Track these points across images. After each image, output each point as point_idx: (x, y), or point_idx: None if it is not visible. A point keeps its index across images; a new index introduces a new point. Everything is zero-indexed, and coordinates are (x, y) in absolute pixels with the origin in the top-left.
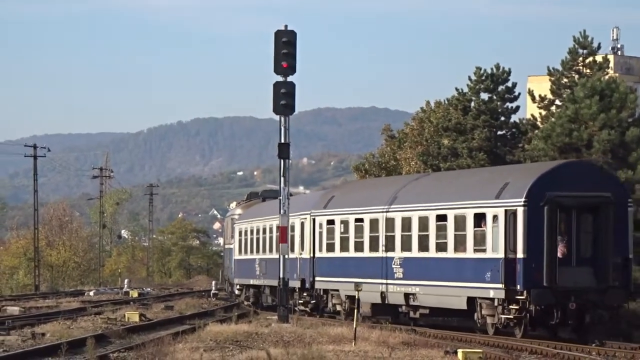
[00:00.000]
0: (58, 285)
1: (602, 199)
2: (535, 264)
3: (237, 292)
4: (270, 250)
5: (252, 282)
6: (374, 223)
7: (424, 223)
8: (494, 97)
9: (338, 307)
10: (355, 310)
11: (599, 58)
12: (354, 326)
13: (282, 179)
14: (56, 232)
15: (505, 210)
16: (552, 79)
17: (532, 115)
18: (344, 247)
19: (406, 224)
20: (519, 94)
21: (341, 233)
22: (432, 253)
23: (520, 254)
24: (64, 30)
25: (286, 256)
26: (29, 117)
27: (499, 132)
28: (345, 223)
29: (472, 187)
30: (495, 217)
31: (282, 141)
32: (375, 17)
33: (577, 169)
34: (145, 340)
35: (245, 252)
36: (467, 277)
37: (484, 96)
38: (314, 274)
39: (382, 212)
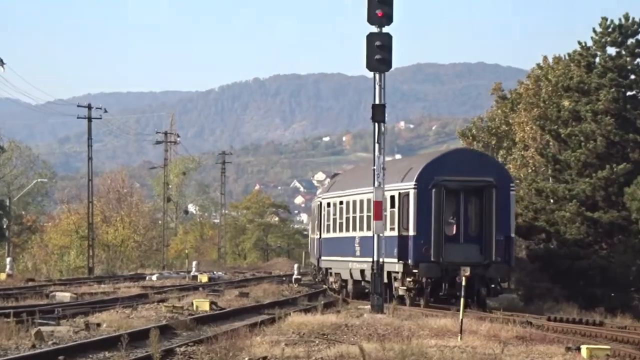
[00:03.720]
0: (115, 268)
1: (486, 183)
2: (424, 241)
3: None
4: (314, 230)
5: (312, 259)
6: (347, 205)
7: (370, 205)
8: (623, 52)
9: (334, 285)
10: (462, 299)
11: None
12: (460, 317)
13: (376, 145)
14: (113, 207)
15: (399, 193)
16: None
17: None
18: (334, 228)
19: (363, 206)
20: None
21: (332, 215)
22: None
23: (411, 232)
24: None
25: (381, 235)
26: (83, 73)
27: (629, 93)
28: (334, 205)
29: (396, 172)
30: (399, 199)
31: (377, 102)
32: None
33: (464, 156)
34: (217, 333)
35: (312, 231)
36: (387, 253)
37: (611, 51)
38: (321, 253)
39: (351, 195)
